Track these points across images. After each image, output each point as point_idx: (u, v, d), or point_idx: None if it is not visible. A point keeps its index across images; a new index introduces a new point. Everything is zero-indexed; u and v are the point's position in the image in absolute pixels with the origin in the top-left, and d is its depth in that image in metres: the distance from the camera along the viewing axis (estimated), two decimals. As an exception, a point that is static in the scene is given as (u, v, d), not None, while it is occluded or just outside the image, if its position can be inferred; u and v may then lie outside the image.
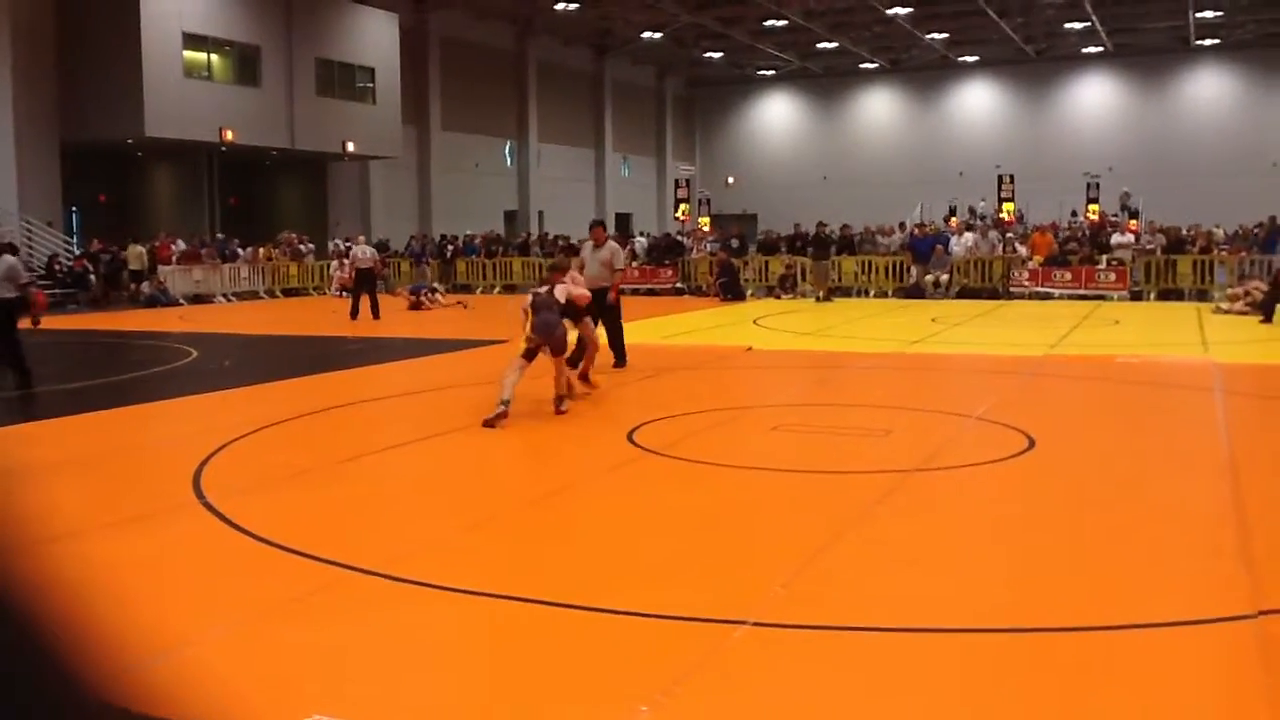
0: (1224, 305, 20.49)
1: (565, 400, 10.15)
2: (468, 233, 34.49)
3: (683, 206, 37.14)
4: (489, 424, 9.28)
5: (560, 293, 10.32)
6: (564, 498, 7.07)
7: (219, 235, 31.25)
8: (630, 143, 51.20)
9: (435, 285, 27.09)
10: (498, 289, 31.32)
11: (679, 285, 28.68)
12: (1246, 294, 20.21)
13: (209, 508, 6.53)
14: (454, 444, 8.92)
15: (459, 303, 24.66)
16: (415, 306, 23.79)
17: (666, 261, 29.64)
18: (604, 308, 12.63)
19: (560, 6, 39.48)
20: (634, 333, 18.28)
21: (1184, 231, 28.32)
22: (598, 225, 13.74)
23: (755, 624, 4.55)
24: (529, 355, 10.03)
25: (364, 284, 21.05)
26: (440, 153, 39.88)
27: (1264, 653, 4.28)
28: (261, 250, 30.58)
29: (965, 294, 25.87)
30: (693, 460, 8.07)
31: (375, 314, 20.72)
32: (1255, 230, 28.54)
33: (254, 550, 5.70)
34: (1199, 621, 4.62)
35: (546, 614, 4.71)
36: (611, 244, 13.46)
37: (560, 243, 32.64)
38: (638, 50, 47.93)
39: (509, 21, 42.65)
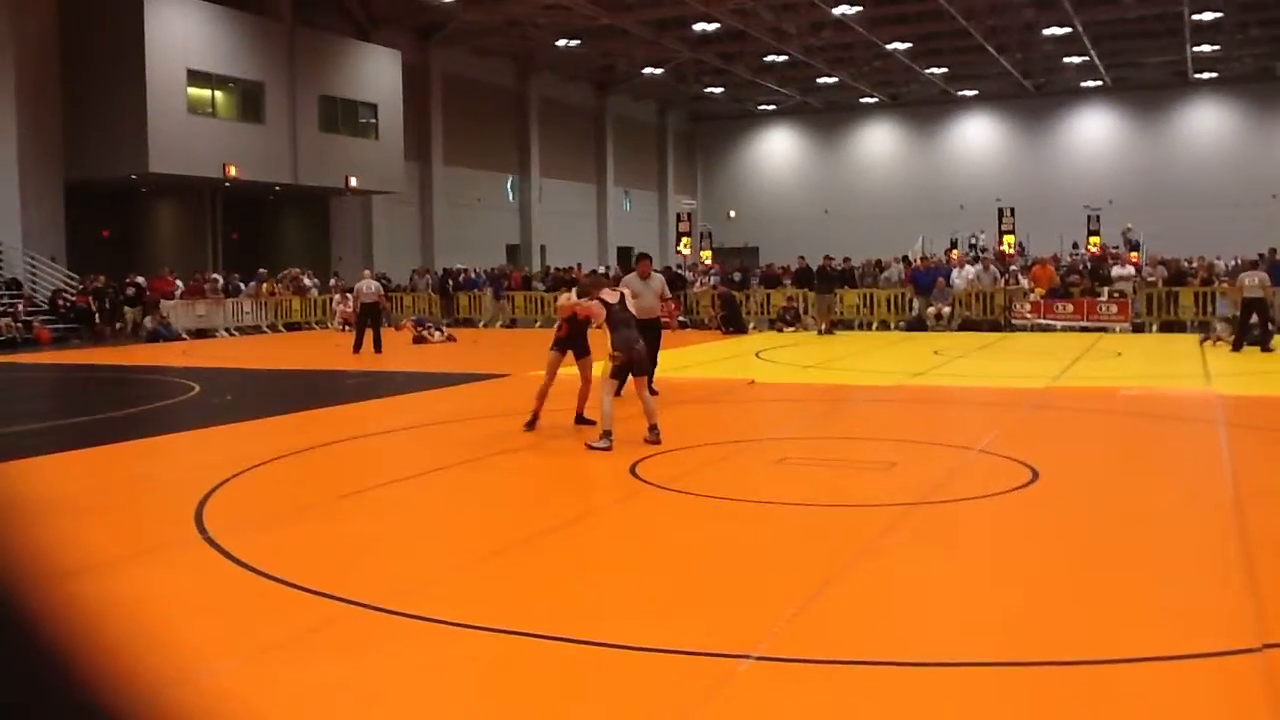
0: (1221, 334, 20.33)
1: (653, 430, 10.16)
2: (493, 266, 34.57)
3: (684, 240, 37.25)
4: (593, 447, 9.63)
5: (630, 304, 10.52)
6: (567, 532, 7.05)
7: (213, 274, 31.33)
8: (632, 177, 51.46)
9: (435, 321, 27.11)
10: (500, 323, 31.39)
11: (681, 318, 28.72)
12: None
13: (211, 543, 6.51)
14: (456, 479, 8.91)
15: (449, 337, 24.66)
16: (419, 340, 23.83)
17: (669, 295, 29.66)
18: (651, 338, 13.02)
19: (562, 43, 39.81)
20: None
21: (1185, 263, 28.37)
22: (645, 258, 14.06)
23: (760, 658, 4.53)
24: (619, 375, 10.07)
25: (367, 318, 21.11)
26: (443, 187, 40.08)
27: (1269, 686, 4.25)
28: (264, 285, 30.67)
29: (967, 326, 25.89)
30: (697, 494, 8.06)
31: (378, 348, 20.75)
32: (1257, 261, 28.56)
33: (256, 586, 5.69)
34: (1203, 655, 4.59)
35: (550, 649, 4.69)
36: (658, 275, 14.03)
37: (560, 274, 32.76)
38: (639, 86, 48.27)
39: (511, 58, 42.98)
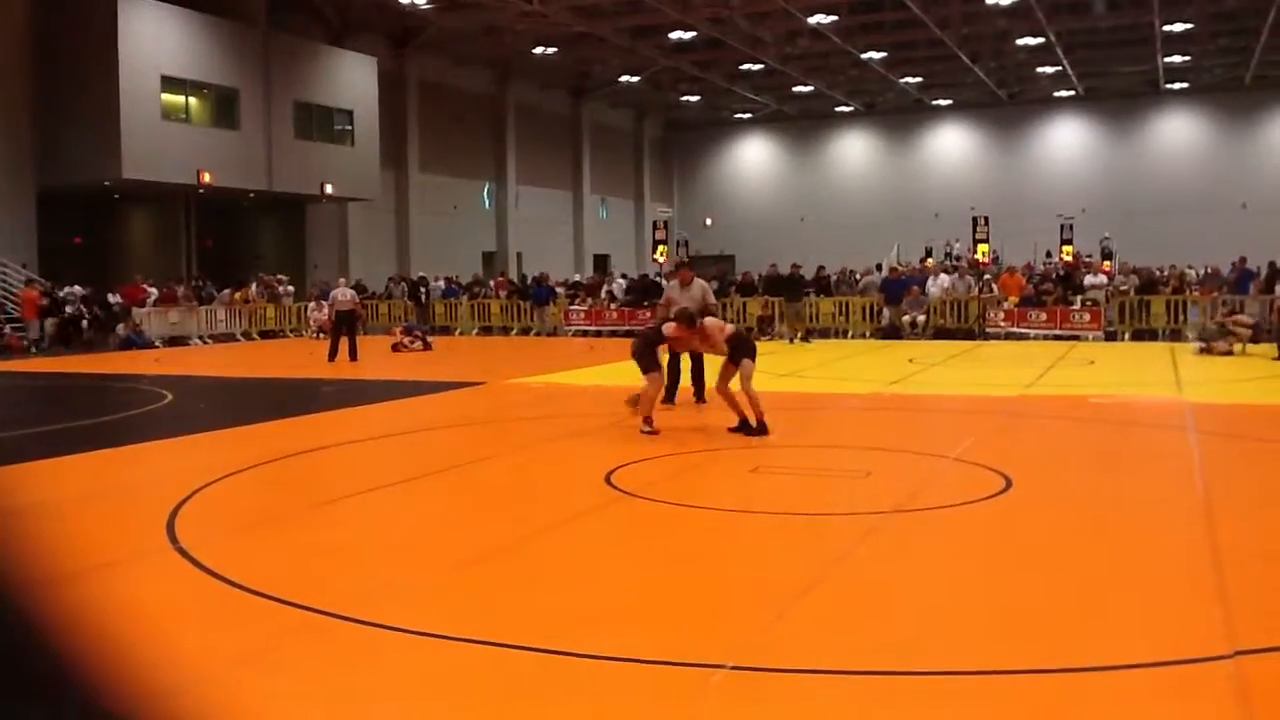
0: (1220, 345, 20.30)
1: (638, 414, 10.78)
2: (491, 274, 34.51)
3: (661, 248, 37.30)
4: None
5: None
6: (541, 541, 7.02)
7: (194, 281, 31.14)
8: (608, 185, 51.49)
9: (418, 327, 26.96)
10: (475, 331, 31.34)
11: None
12: (1230, 331, 20.33)
13: (182, 553, 6.45)
14: (430, 487, 8.87)
15: (425, 345, 24.57)
16: (397, 348, 23.75)
17: (645, 303, 29.70)
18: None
19: (538, 51, 39.81)
20: (613, 374, 18.31)
21: (1157, 272, 28.62)
22: (685, 266, 14.48)
23: (734, 668, 4.52)
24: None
25: (343, 325, 21.04)
26: (419, 195, 39.99)
27: (1239, 693, 4.28)
28: (238, 293, 30.48)
29: (941, 335, 26.02)
30: (672, 502, 8.05)
31: (353, 356, 20.67)
32: (1231, 271, 28.86)
33: (227, 596, 5.64)
34: (1175, 662, 4.62)
35: (524, 659, 4.67)
36: (700, 282, 14.17)
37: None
38: (615, 93, 48.33)
39: (487, 65, 42.95)
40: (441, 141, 41.31)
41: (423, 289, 32.56)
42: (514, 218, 44.55)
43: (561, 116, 48.49)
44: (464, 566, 6.39)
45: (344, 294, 21.56)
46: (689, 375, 13.73)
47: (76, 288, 27.70)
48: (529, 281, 33.68)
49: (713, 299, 14.48)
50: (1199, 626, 5.08)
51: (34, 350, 25.14)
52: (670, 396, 13.89)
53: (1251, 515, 7.69)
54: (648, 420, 10.98)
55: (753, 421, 10.96)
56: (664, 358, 12.83)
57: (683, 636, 5.00)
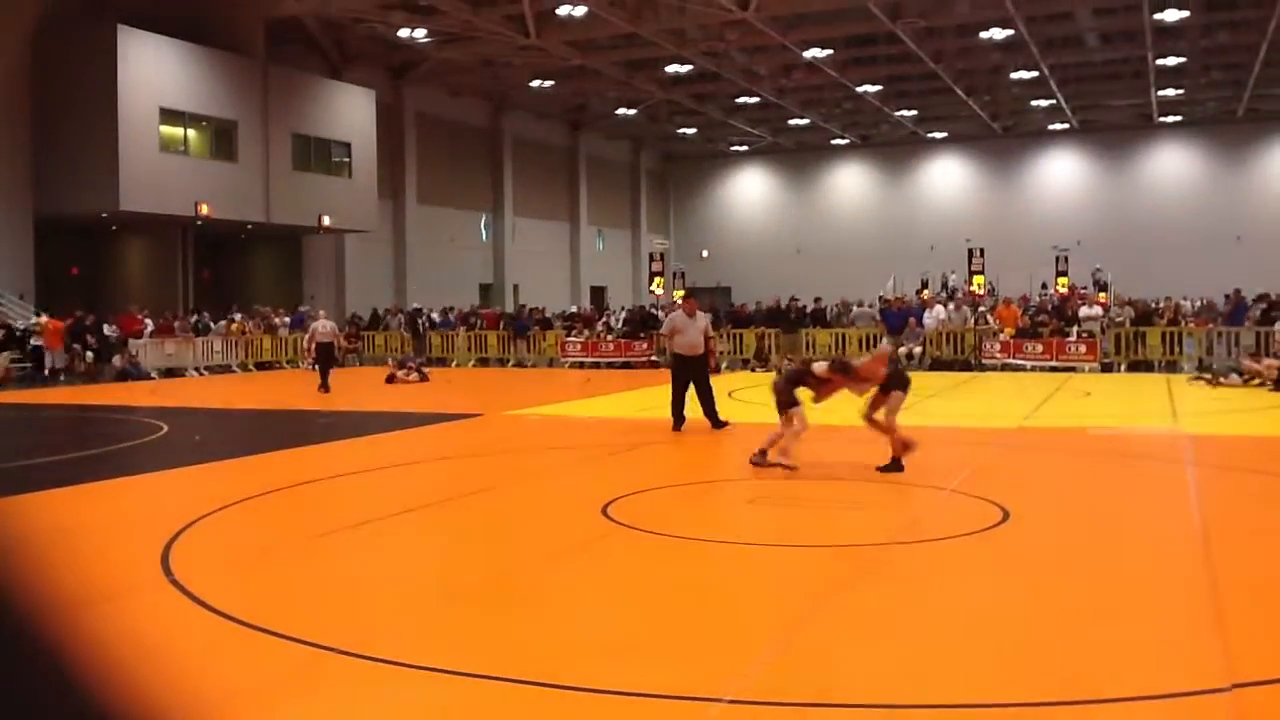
0: (1232, 379, 20.18)
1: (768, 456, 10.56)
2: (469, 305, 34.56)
3: (657, 280, 37.39)
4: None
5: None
6: (538, 573, 7.00)
7: (191, 311, 31.14)
8: (605, 216, 51.66)
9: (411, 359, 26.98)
10: (472, 362, 31.35)
11: (654, 358, 28.77)
12: (1247, 366, 20.27)
13: (177, 585, 6.43)
14: (425, 520, 8.85)
15: (422, 376, 24.53)
16: (390, 380, 23.74)
17: (641, 334, 29.77)
18: (702, 374, 14.01)
19: (535, 84, 40.05)
20: (611, 406, 18.32)
21: (1152, 304, 28.71)
22: (690, 297, 15.29)
23: (731, 701, 4.50)
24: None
25: (322, 357, 21.24)
26: (416, 226, 40.10)
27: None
28: (234, 324, 30.47)
29: (938, 366, 26.05)
30: (668, 534, 8.03)
31: (324, 388, 20.81)
32: (1226, 303, 28.93)
33: (224, 630, 5.61)
34: (1173, 695, 4.61)
35: (522, 693, 4.65)
36: (703, 314, 14.83)
37: (535, 314, 32.84)
38: (612, 125, 48.57)
39: (484, 98, 43.20)
40: (439, 173, 41.48)
41: (420, 320, 32.59)
42: (511, 249, 44.66)
43: (559, 148, 48.71)
44: (460, 599, 6.37)
45: (323, 326, 21.68)
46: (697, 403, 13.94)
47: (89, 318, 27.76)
48: (527, 313, 33.77)
49: (712, 331, 14.73)
50: (1197, 659, 5.07)
51: (62, 379, 25.19)
52: (678, 424, 13.95)
53: (1248, 547, 7.68)
54: (785, 454, 10.52)
55: (894, 452, 10.61)
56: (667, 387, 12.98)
57: (680, 669, 4.98)
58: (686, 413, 14.12)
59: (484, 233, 44.32)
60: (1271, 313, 25.62)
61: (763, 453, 10.65)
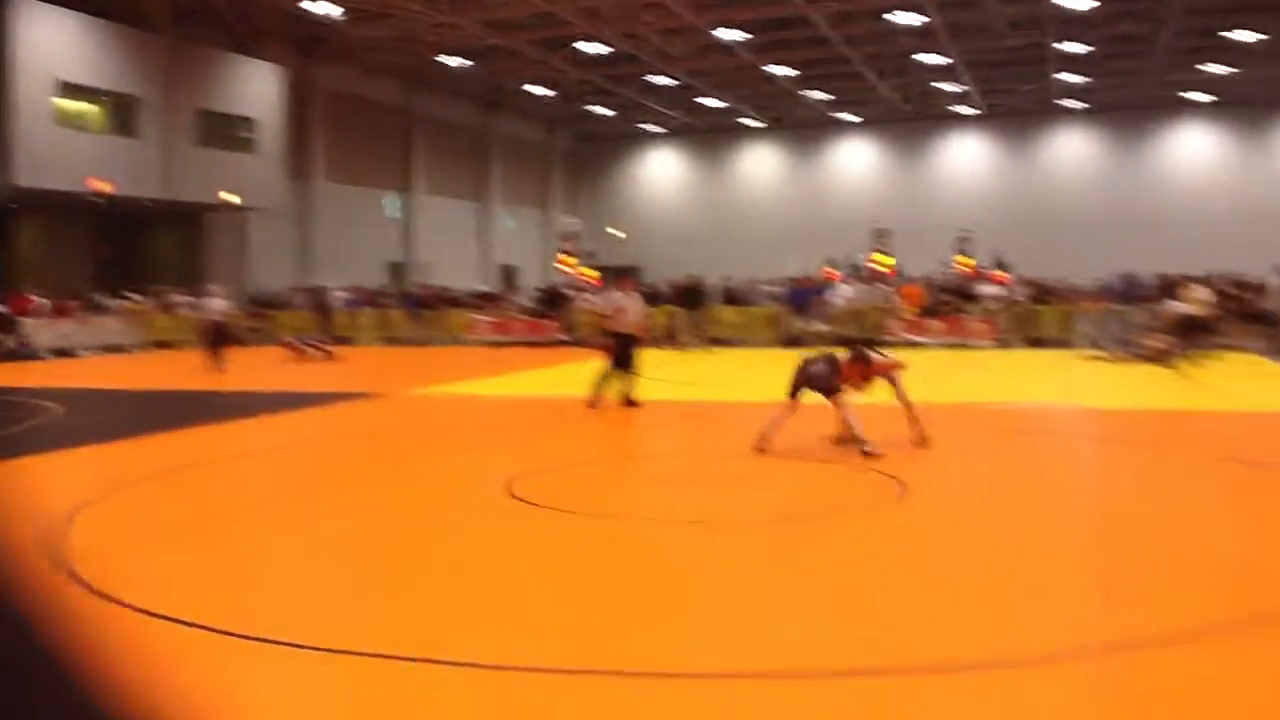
0: (1122, 354, 20.85)
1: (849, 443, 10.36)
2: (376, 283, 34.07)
3: (568, 259, 37.31)
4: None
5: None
6: (438, 552, 6.97)
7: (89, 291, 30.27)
8: (517, 195, 51.35)
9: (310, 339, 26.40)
10: (379, 341, 31.01)
11: (563, 336, 28.73)
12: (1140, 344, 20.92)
13: (65, 570, 6.26)
14: (322, 501, 8.74)
15: (328, 354, 24.18)
16: (296, 358, 23.37)
17: (551, 313, 29.69)
18: (635, 353, 14.20)
19: (449, 62, 39.57)
20: (518, 384, 18.26)
21: (1049, 283, 29.44)
22: (628, 276, 15.74)
23: (619, 672, 4.54)
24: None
25: (215, 336, 20.87)
26: (324, 204, 39.44)
27: (1128, 683, 4.42)
28: (130, 303, 29.69)
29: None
30: (570, 511, 8.05)
31: (219, 367, 20.47)
32: (1120, 283, 29.77)
33: (111, 614, 5.48)
34: (1062, 656, 4.74)
35: (410, 670, 4.62)
36: (636, 294, 15.29)
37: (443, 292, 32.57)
38: (526, 105, 48.25)
39: (397, 76, 42.57)
40: (349, 151, 40.83)
41: (325, 299, 32.07)
42: (421, 228, 44.19)
43: (471, 128, 48.25)
44: (354, 579, 6.31)
45: (215, 304, 21.29)
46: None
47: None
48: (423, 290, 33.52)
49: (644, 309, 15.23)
50: (1087, 622, 5.24)
51: None
52: (596, 403, 13.93)
53: (1139, 516, 7.94)
54: (864, 441, 10.28)
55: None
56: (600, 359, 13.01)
57: (573, 641, 5.00)
58: (608, 391, 14.15)
59: (393, 211, 43.76)
60: (1166, 293, 26.41)
61: (849, 439, 10.47)
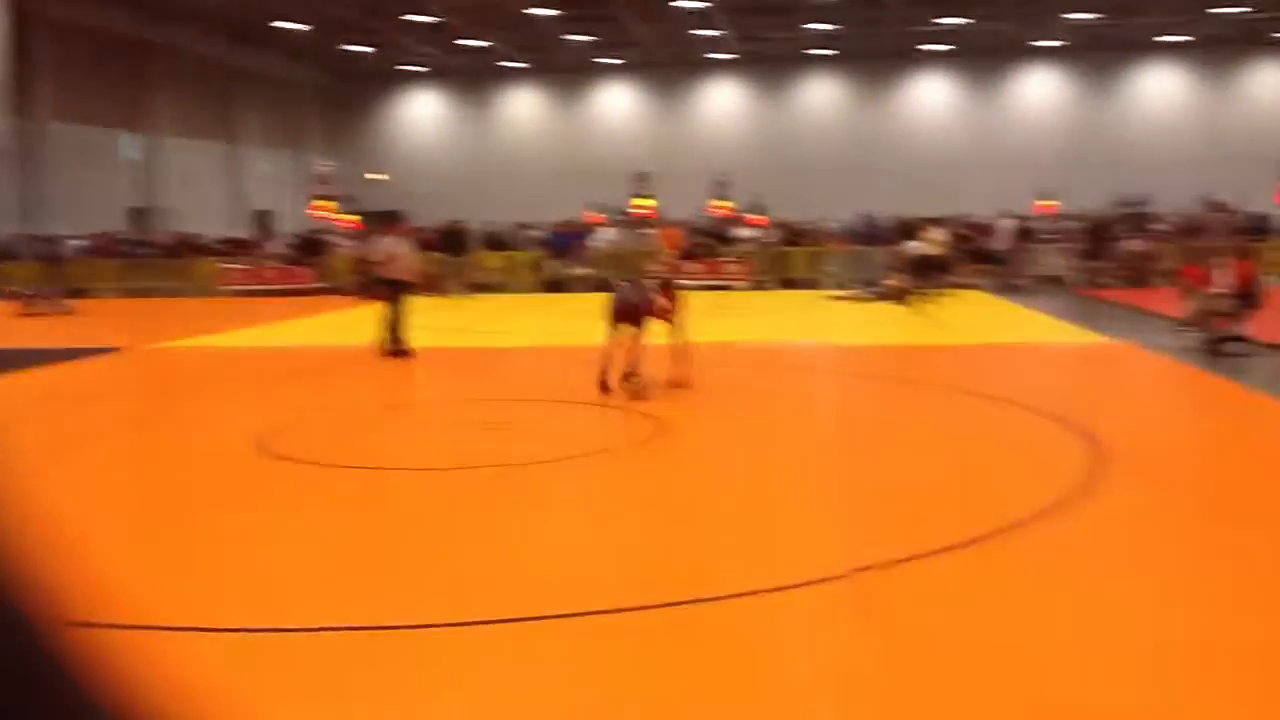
0: (865, 293, 22.00)
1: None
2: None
3: (325, 203, 36.08)
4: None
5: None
6: (187, 515, 6.68)
7: None
8: (269, 136, 49.11)
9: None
10: (121, 292, 29.21)
11: (320, 284, 27.85)
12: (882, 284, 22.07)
13: None
14: (57, 470, 8.22)
15: (64, 309, 22.57)
16: (29, 313, 21.70)
17: (308, 261, 28.70)
18: (404, 300, 13.81)
19: (186, -9, 37.25)
20: (273, 335, 17.60)
21: (800, 226, 30.66)
22: (400, 220, 15.35)
23: (397, 627, 4.52)
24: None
25: None
26: (53, 146, 36.58)
27: (859, 607, 4.72)
28: None
29: (605, 287, 26.69)
30: (325, 464, 7.88)
31: None
32: (862, 224, 31.28)
33: None
34: (797, 585, 5.02)
35: (164, 639, 4.45)
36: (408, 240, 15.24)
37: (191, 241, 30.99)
38: (275, 40, 46.02)
39: (133, 7, 39.71)
40: (79, 88, 37.90)
41: (56, 247, 29.84)
42: (165, 171, 41.66)
43: (215, 63, 45.62)
44: (107, 547, 5.99)
45: None
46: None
47: None
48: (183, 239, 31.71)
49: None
50: (824, 549, 5.57)
51: None
52: (400, 349, 13.64)
53: (874, 445, 8.45)
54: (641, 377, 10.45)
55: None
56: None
57: (344, 602, 4.93)
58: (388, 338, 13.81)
59: (132, 152, 41.07)
60: (905, 235, 27.93)
61: (636, 374, 10.48)
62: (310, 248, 29.84)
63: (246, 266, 28.94)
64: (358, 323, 19.53)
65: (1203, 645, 4.33)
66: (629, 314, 10.64)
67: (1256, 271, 13.53)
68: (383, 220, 14.91)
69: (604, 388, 10.38)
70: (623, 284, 10.91)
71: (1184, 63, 45.90)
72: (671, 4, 39.52)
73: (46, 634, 0.66)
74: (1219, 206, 27.99)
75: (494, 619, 4.65)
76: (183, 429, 9.68)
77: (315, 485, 7.36)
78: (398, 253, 14.15)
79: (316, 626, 4.60)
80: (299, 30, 43.09)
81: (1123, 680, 4.02)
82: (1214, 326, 12.89)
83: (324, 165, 39.46)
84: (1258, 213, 29.22)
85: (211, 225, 37.71)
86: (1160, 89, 46.53)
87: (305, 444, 8.54)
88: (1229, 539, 5.78)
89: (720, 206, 36.05)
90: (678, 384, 10.83)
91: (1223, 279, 13.04)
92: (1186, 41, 44.09)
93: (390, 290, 13.91)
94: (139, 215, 39.99)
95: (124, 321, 21.35)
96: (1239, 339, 12.66)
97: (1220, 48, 44.27)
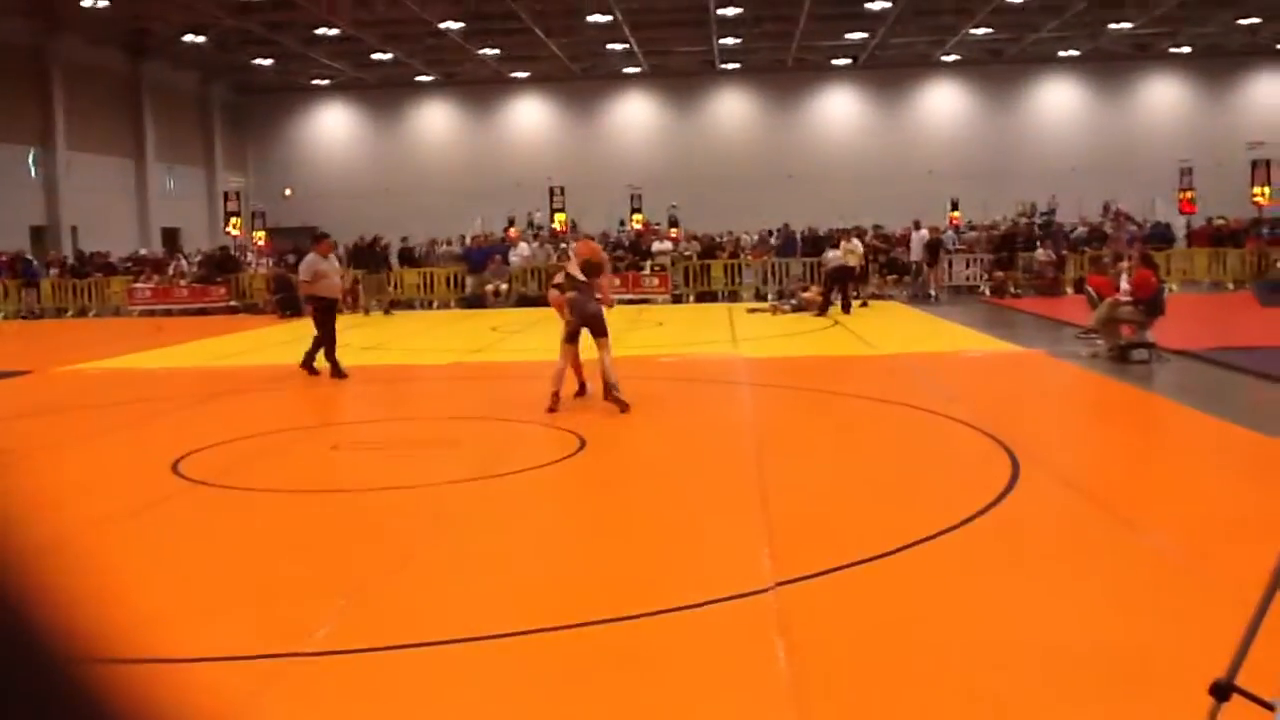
0: (782, 305, 22.36)
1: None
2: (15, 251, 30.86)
3: (234, 220, 35.46)
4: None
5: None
6: (94, 539, 6.53)
7: None
8: (175, 152, 48.04)
9: None
10: (21, 313, 28.40)
11: (233, 303, 27.37)
12: (798, 295, 22.39)
13: None
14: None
15: None
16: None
17: (219, 278, 28.19)
18: (331, 319, 13.55)
19: (87, 3, 36.34)
20: (185, 355, 17.25)
21: (716, 239, 30.91)
22: (326, 238, 14.62)
23: (312, 654, 4.47)
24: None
25: None
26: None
27: (780, 621, 4.79)
28: None
29: (524, 302, 26.67)
30: (244, 488, 7.76)
31: None
32: (776, 236, 31.68)
33: None
34: (721, 599, 5.08)
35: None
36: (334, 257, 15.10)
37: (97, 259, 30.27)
38: (179, 53, 45.07)
39: (29, 17, 38.62)
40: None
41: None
42: (66, 188, 40.50)
43: (118, 76, 44.54)
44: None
45: None
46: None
47: None
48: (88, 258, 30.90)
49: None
50: (746, 564, 5.63)
51: None
52: (339, 371, 13.39)
53: (794, 457, 8.57)
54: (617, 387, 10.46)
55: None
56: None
57: (258, 627, 4.87)
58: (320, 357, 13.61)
59: (33, 170, 39.91)
60: (817, 246, 28.35)
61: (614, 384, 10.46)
62: (223, 265, 29.31)
63: (156, 286, 28.30)
64: (273, 342, 19.26)
65: (1093, 645, 4.48)
66: (590, 322, 10.58)
67: (1158, 279, 14.00)
68: (316, 239, 14.55)
69: (554, 407, 10.32)
70: (573, 294, 10.83)
71: (1081, 76, 47.37)
72: (581, 18, 39.68)
73: None
74: (1121, 216, 28.94)
75: (418, 642, 4.64)
76: (95, 453, 9.44)
77: (232, 508, 7.25)
78: (323, 270, 13.88)
79: (225, 656, 4.53)
80: (201, 44, 42.33)
81: (1013, 681, 4.15)
82: (1120, 334, 13.33)
83: (234, 181, 38.75)
84: (1160, 221, 30.28)
85: (119, 244, 36.82)
86: (1060, 102, 47.94)
87: (220, 467, 8.40)
88: (1137, 543, 5.99)
89: (637, 220, 36.21)
90: (609, 397, 10.77)
91: (1126, 287, 13.47)
92: (1083, 55, 45.54)
93: (318, 309, 13.70)
94: (41, 234, 38.90)
95: (28, 343, 20.76)
96: (1145, 346, 13.08)
97: (1114, 61, 45.80)
